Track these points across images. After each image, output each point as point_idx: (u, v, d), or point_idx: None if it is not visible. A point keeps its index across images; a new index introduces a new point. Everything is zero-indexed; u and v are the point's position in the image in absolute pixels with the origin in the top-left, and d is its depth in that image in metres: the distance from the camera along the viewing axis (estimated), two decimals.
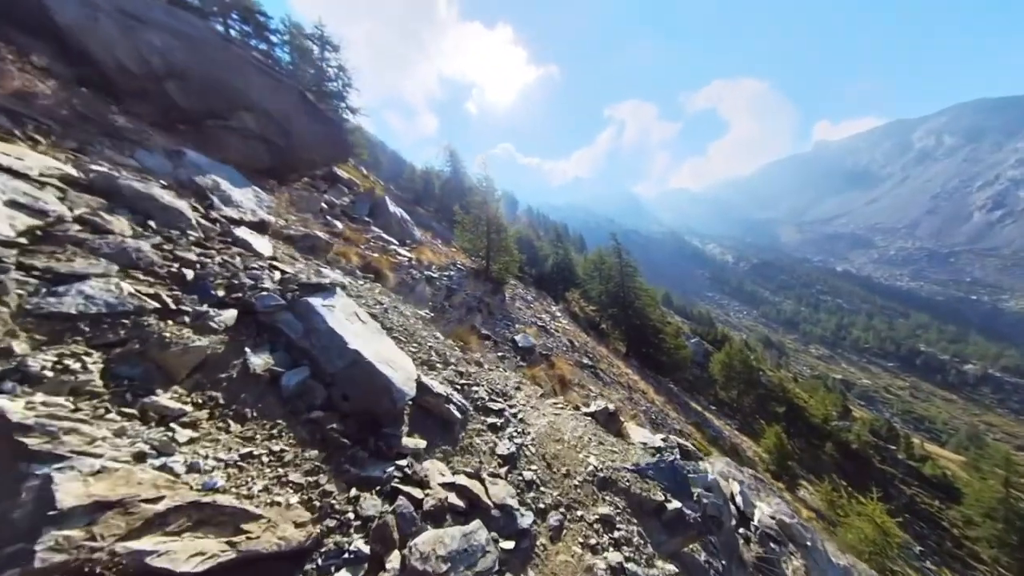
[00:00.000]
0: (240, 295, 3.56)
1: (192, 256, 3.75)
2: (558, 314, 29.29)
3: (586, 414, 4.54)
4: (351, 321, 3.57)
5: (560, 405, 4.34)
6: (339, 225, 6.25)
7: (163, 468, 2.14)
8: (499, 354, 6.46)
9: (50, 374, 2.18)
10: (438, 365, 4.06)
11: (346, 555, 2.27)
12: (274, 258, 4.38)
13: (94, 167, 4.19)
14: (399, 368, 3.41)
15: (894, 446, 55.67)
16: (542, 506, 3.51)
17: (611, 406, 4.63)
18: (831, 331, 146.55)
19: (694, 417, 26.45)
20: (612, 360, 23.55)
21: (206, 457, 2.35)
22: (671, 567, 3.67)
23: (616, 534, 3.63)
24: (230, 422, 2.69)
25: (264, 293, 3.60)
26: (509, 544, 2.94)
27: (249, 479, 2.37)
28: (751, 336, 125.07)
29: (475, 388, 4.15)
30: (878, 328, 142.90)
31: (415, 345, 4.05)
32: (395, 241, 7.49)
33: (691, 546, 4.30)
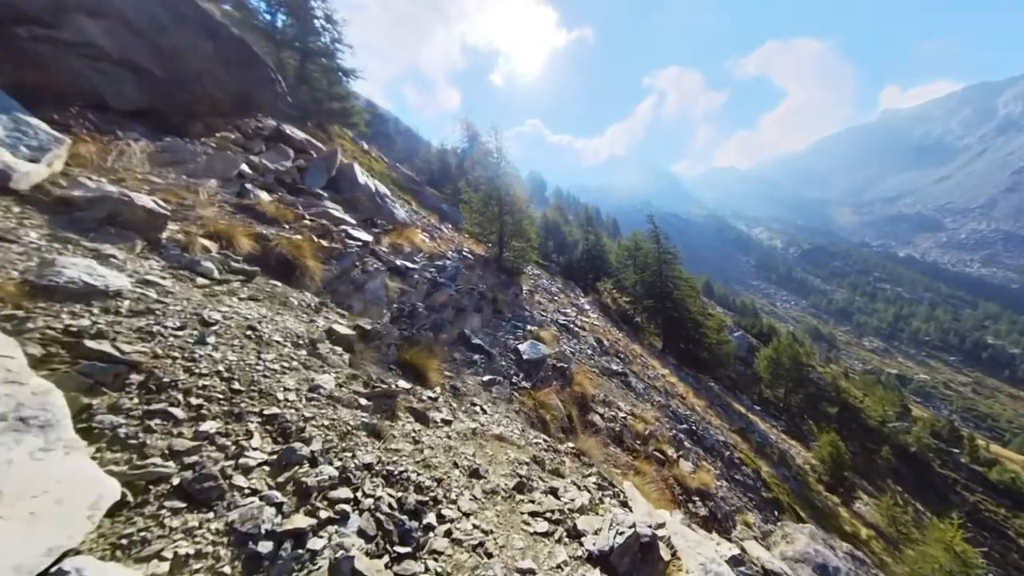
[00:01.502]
0: None
1: None
2: (586, 307, 26.56)
3: (594, 559, 1.88)
4: None
5: (541, 525, 2.00)
6: (263, 196, 4.42)
7: None
8: (487, 377, 4.41)
9: None
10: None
11: None
12: None
13: None
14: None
15: (957, 449, 48.71)
16: None
17: (647, 526, 2.28)
18: (888, 322, 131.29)
19: (737, 422, 23.07)
20: (646, 360, 20.75)
21: None
22: None
23: None
24: None
25: None
26: None
27: None
28: (799, 328, 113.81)
29: (373, 500, 1.80)
30: (941, 319, 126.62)
31: (254, 418, 1.85)
32: (351, 221, 5.50)
33: None
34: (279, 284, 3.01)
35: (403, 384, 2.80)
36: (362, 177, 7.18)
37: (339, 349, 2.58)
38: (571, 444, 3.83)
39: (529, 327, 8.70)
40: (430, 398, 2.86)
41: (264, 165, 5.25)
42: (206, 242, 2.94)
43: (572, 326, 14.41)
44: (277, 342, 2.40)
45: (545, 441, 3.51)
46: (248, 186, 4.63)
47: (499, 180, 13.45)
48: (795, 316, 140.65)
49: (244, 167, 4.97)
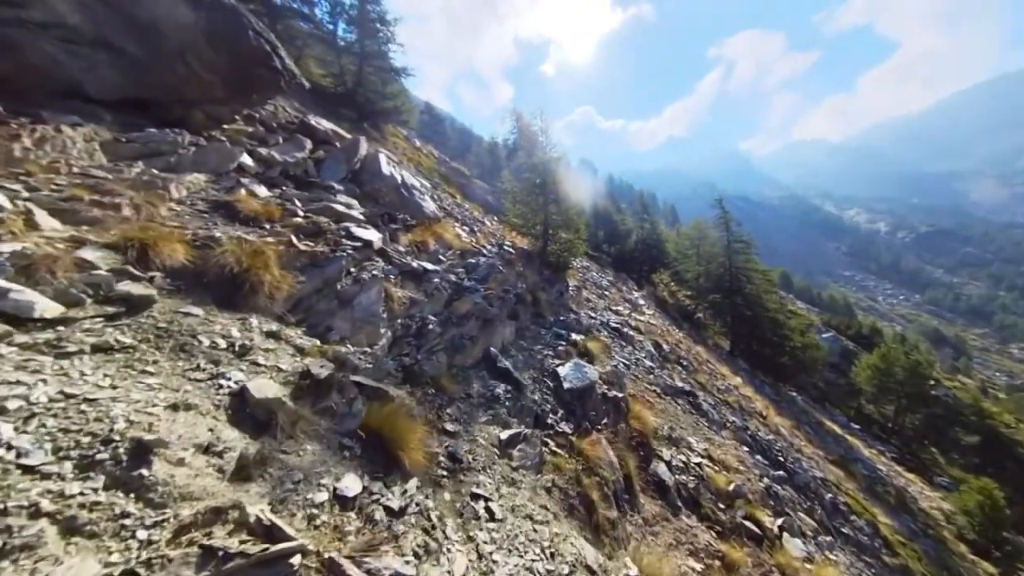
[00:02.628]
0: None
1: None
2: (641, 302, 23.82)
3: None
4: None
5: None
6: (260, 192, 3.68)
7: None
8: (507, 434, 2.96)
9: None
10: None
11: None
12: None
13: None
14: None
15: None
16: None
17: None
18: None
19: (834, 447, 18.77)
20: (714, 366, 17.73)
21: None
22: None
23: None
24: None
25: None
26: None
27: None
28: (911, 329, 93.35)
29: None
30: None
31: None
32: (359, 217, 4.56)
33: None
34: (201, 311, 2.08)
35: (349, 484, 1.61)
36: (387, 168, 6.29)
37: (236, 436, 1.48)
38: (628, 561, 2.40)
39: (574, 335, 7.20)
40: (390, 511, 1.70)
41: (272, 157, 4.57)
42: (98, 255, 2.08)
43: (625, 328, 12.46)
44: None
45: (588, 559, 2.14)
46: (244, 180, 3.92)
47: (544, 166, 11.88)
48: (904, 314, 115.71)
49: (246, 159, 4.31)
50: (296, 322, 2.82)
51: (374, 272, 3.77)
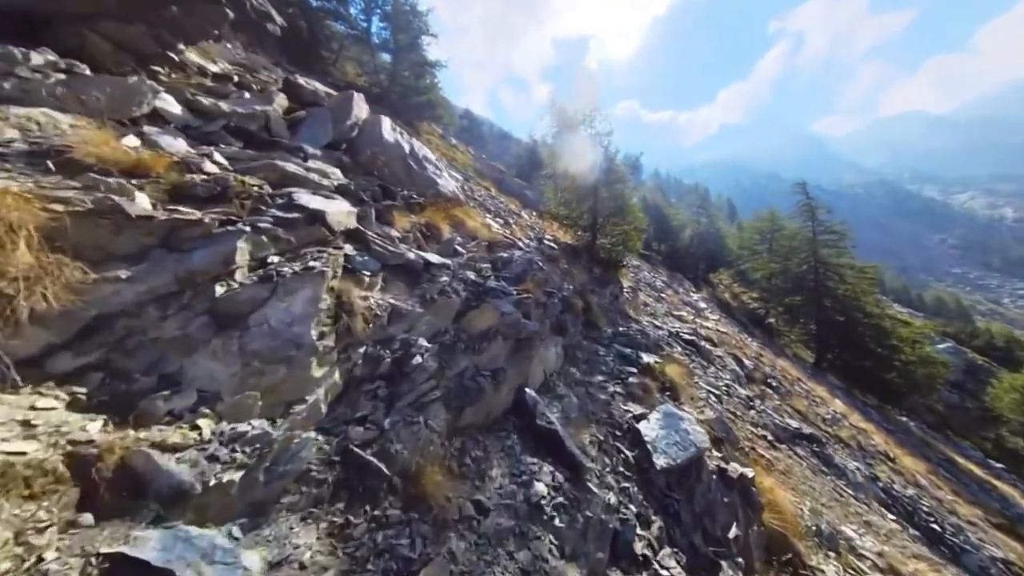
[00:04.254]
0: None
1: None
2: (702, 305, 20.26)
3: None
4: None
5: None
6: (163, 144, 2.25)
7: None
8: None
9: None
10: None
11: None
12: None
13: None
14: None
15: None
16: None
17: None
18: None
19: (983, 497, 13.84)
20: (807, 385, 14.02)
21: None
22: None
23: None
24: None
25: None
26: None
27: None
28: None
29: None
30: None
31: None
32: (321, 183, 2.93)
33: None
34: None
35: None
36: (390, 134, 4.74)
37: None
38: None
39: (643, 355, 5.02)
40: None
41: (215, 108, 3.21)
42: None
43: (700, 340, 9.76)
44: None
45: None
46: (148, 130, 2.54)
47: (592, 144, 9.68)
48: None
49: (168, 105, 2.96)
50: (75, 373, 1.24)
51: (312, 263, 2.09)
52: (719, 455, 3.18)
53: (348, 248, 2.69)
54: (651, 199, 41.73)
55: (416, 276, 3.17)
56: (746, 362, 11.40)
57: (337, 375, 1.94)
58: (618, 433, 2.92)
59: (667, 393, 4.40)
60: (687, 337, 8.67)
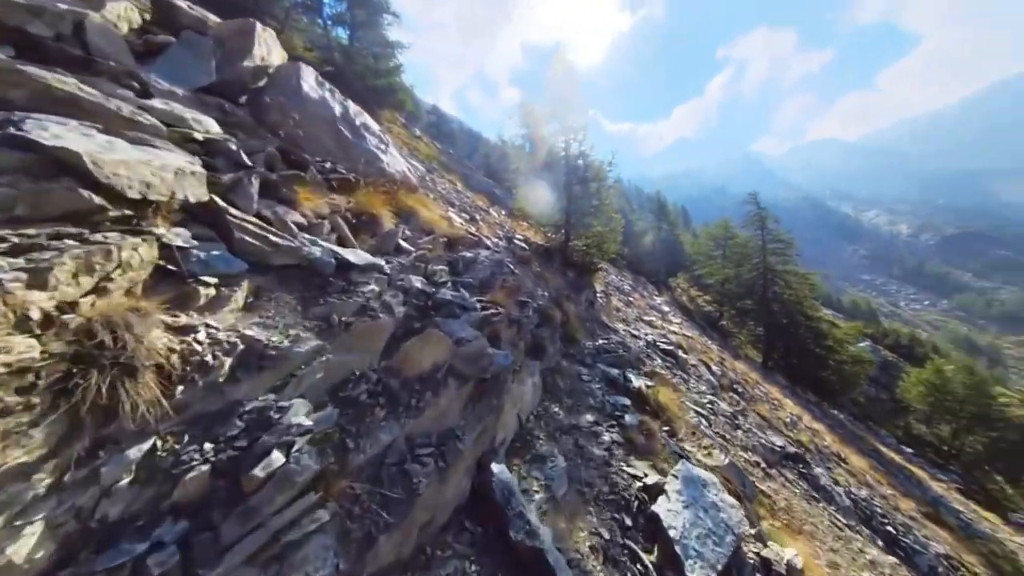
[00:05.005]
0: None
1: None
2: (666, 309, 20.54)
3: None
4: None
5: None
6: None
7: None
8: None
9: None
10: None
11: None
12: None
13: None
14: None
15: None
16: None
17: None
18: None
19: (908, 486, 15.14)
20: (765, 388, 14.44)
21: None
22: None
23: None
24: None
25: None
26: None
27: None
28: (937, 335, 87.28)
29: None
30: None
31: None
32: (179, 136, 1.66)
33: None
34: None
35: None
36: (315, 89, 3.44)
37: None
38: None
39: (631, 376, 4.20)
40: None
41: None
42: None
43: (672, 347, 9.32)
44: None
45: None
46: None
47: (563, 137, 8.89)
48: (931, 320, 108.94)
49: None
50: None
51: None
52: (749, 528, 2.36)
53: (176, 235, 1.46)
54: (616, 204, 42.72)
55: (321, 285, 1.99)
56: (714, 368, 11.26)
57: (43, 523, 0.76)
58: (628, 522, 1.97)
59: (665, 427, 3.58)
60: (664, 347, 8.14)
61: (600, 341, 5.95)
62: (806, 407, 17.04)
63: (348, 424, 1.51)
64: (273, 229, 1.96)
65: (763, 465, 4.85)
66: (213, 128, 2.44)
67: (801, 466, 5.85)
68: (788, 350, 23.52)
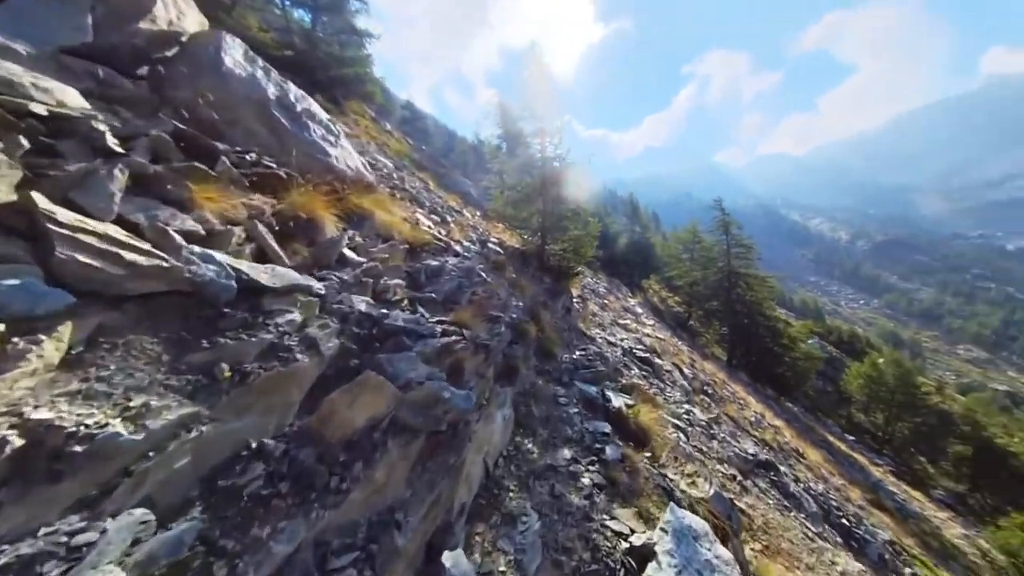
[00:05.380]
0: None
1: None
2: (639, 310, 20.99)
3: None
4: None
5: None
6: None
7: None
8: None
9: None
10: None
11: None
12: None
13: None
14: None
15: None
16: None
17: None
18: (993, 328, 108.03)
19: (854, 473, 16.34)
20: (732, 387, 14.99)
21: None
22: None
23: None
24: None
25: None
26: None
27: None
28: (870, 331, 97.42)
29: None
30: None
31: None
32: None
33: None
34: None
35: None
36: (242, 67, 2.79)
37: None
38: None
39: (612, 397, 3.91)
40: None
41: None
42: None
43: (649, 354, 9.29)
44: None
45: None
46: None
47: (540, 139, 8.58)
48: (865, 317, 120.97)
49: None
50: None
51: None
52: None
53: None
54: (592, 207, 43.41)
55: (210, 320, 1.45)
56: (686, 371, 11.45)
57: None
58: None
59: (647, 454, 3.30)
60: (640, 354, 8.04)
61: (577, 353, 5.65)
62: (767, 403, 17.94)
63: (223, 535, 1.02)
64: (138, 242, 1.40)
65: (739, 478, 4.77)
66: (73, 100, 1.80)
67: (772, 473, 5.90)
68: (750, 348, 24.82)
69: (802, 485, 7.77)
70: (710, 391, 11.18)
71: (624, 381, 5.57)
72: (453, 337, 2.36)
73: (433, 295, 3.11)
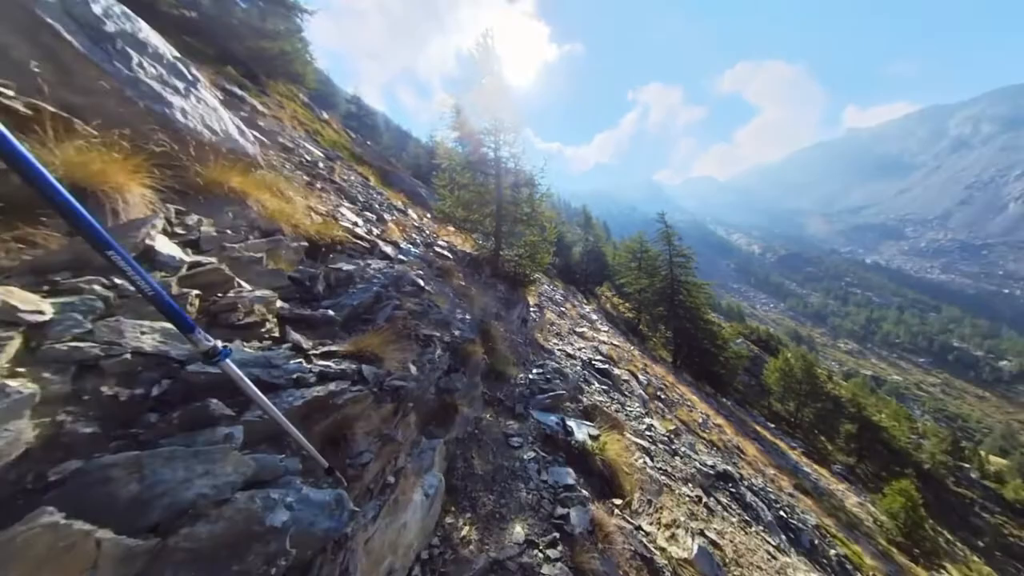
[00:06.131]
0: None
1: None
2: (594, 317, 21.27)
3: None
4: None
5: None
6: None
7: None
8: None
9: None
10: None
11: None
12: None
13: None
14: None
15: (968, 464, 45.53)
16: None
17: None
18: (860, 325, 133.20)
19: (778, 459, 17.95)
20: (681, 391, 15.55)
21: None
22: None
23: None
24: None
25: None
26: None
27: None
28: (778, 330, 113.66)
29: None
30: (909, 322, 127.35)
31: None
32: None
33: None
34: None
35: None
36: None
37: None
38: None
39: (573, 429, 3.23)
40: None
41: None
42: None
43: (606, 364, 8.97)
44: None
45: None
46: None
47: (495, 128, 7.91)
48: (774, 318, 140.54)
49: None
50: None
51: None
52: None
53: None
54: (549, 213, 44.10)
55: None
56: (641, 377, 11.41)
57: None
58: None
59: (617, 501, 2.65)
60: (599, 365, 7.65)
61: (535, 371, 4.94)
62: (708, 402, 19.03)
63: None
64: None
65: (704, 499, 4.42)
66: None
67: (730, 485, 5.74)
68: (691, 350, 26.54)
69: (753, 489, 7.85)
70: (663, 396, 11.25)
71: (585, 401, 4.99)
72: (335, 383, 1.45)
73: (331, 312, 2.15)
